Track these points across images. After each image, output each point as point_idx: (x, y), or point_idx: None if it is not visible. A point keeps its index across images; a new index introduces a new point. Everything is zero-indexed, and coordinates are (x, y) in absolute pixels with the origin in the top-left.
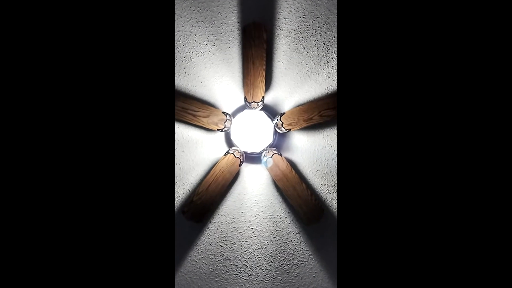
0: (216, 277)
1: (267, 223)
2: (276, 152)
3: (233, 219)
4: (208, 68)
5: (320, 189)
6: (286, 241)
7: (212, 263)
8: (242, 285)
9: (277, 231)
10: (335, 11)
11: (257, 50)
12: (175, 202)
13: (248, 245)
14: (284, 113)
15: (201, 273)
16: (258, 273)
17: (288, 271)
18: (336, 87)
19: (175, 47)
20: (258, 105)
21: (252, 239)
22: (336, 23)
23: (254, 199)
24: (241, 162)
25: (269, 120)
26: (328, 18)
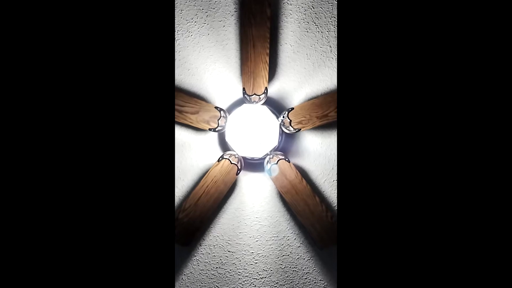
0: None
1: (271, 246)
2: (283, 157)
3: (229, 242)
4: (197, 52)
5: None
6: (295, 269)
7: None
8: None
9: (284, 256)
10: None
11: (258, 30)
12: None
13: (247, 274)
14: (292, 109)
15: None
16: None
17: None
18: None
19: None
20: (260, 98)
21: (253, 266)
22: None
23: (255, 216)
24: (239, 170)
25: (273, 117)
26: None
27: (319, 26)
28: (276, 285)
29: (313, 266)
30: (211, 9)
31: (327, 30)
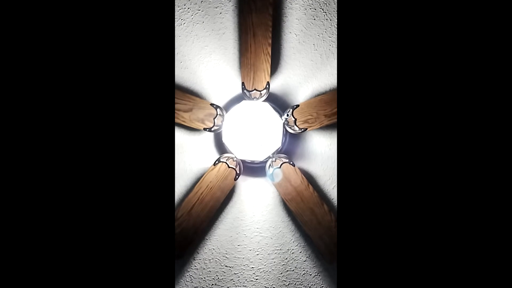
0: None
1: (273, 260)
2: (287, 160)
3: (226, 255)
4: (190, 42)
5: None
6: (300, 286)
7: None
8: None
9: (288, 272)
10: None
11: (259, 17)
12: None
13: None
14: (297, 106)
15: None
16: None
17: None
18: None
19: None
20: (261, 94)
21: (253, 282)
22: None
23: (255, 227)
24: (237, 175)
25: (276, 115)
26: None
27: (327, 13)
28: None
29: (321, 282)
30: None
31: (336, 17)
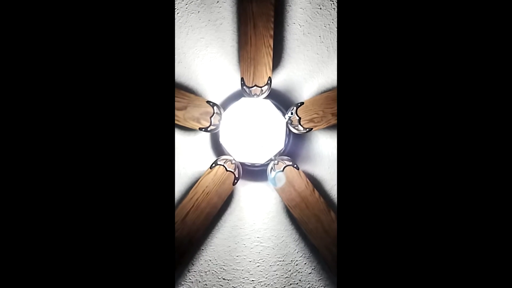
0: None
1: (276, 272)
2: (290, 163)
3: (224, 267)
4: (185, 33)
5: None
6: None
7: None
8: None
9: (292, 286)
10: None
11: (260, 6)
12: None
13: None
14: (302, 103)
15: None
16: None
17: None
18: None
19: None
20: (262, 90)
21: None
22: None
23: (256, 236)
24: (236, 179)
25: (279, 114)
26: None
27: (334, 2)
28: None
29: None
30: None
31: (337, 11)
